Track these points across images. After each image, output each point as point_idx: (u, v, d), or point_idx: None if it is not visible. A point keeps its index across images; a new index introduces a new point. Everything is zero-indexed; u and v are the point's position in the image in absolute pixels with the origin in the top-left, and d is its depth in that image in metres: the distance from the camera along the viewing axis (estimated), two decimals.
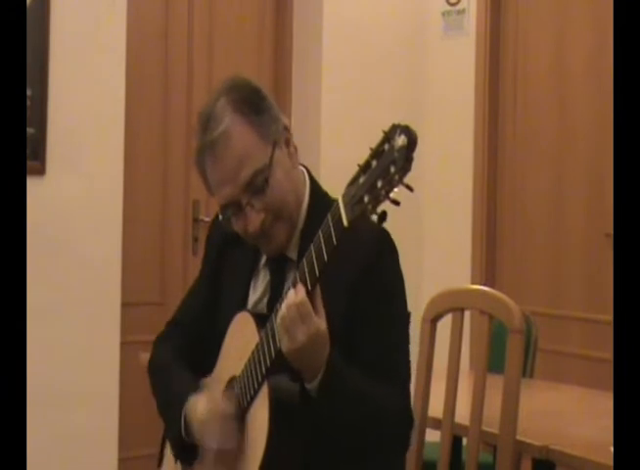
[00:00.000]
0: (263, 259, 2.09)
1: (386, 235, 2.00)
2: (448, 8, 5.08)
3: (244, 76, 2.07)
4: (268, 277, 2.08)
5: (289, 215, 2.00)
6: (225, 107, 1.97)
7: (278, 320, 1.82)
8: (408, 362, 2.03)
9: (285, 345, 1.81)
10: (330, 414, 1.88)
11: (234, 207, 1.98)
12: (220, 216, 2.03)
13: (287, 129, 2.04)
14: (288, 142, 2.03)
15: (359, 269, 1.94)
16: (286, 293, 1.83)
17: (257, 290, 2.09)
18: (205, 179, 2.02)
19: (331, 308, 1.85)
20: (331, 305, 1.85)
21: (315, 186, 2.08)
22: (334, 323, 1.85)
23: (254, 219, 1.96)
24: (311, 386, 1.85)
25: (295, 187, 2.03)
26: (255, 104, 1.99)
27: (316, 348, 1.82)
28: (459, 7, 5.04)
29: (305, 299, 1.78)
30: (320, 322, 1.81)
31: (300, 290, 1.79)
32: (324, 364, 1.84)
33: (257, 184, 1.95)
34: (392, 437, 1.99)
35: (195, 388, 2.06)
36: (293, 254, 2.02)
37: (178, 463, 2.10)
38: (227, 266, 2.16)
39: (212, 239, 2.24)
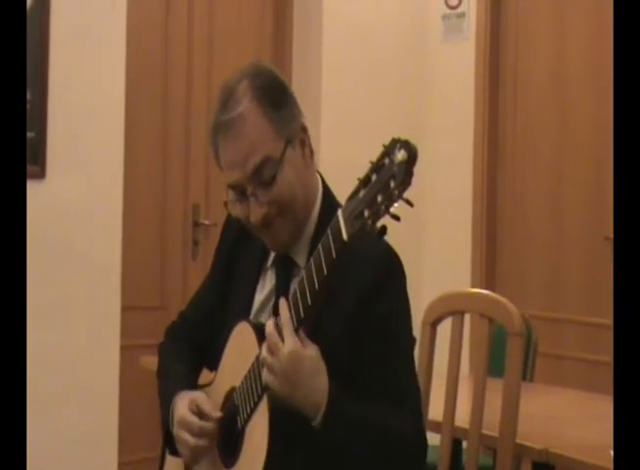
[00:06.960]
0: (271, 259, 2.05)
1: (392, 258, 1.95)
2: (448, 11, 5.09)
3: (271, 67, 2.03)
4: (274, 281, 2.03)
5: (293, 215, 1.95)
6: (246, 91, 1.93)
7: (262, 358, 1.81)
8: (416, 384, 1.96)
9: (275, 389, 1.80)
10: (338, 449, 1.83)
11: (239, 192, 1.94)
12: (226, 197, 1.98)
13: (304, 130, 1.99)
14: (303, 143, 1.99)
15: (362, 293, 1.88)
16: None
17: (264, 291, 2.06)
18: (218, 157, 1.99)
19: (328, 331, 1.84)
20: (328, 328, 1.84)
21: (328, 194, 2.04)
22: (332, 346, 1.83)
23: (257, 211, 1.92)
24: (315, 423, 1.80)
25: (305, 190, 1.98)
26: (276, 97, 1.95)
27: (309, 380, 1.79)
28: (459, 10, 5.04)
29: (297, 340, 1.78)
30: (308, 352, 1.79)
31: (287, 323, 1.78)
32: (326, 398, 1.79)
33: (264, 176, 1.90)
34: (405, 462, 1.92)
35: (191, 385, 2.08)
36: (301, 260, 1.97)
37: (181, 465, 2.10)
38: (239, 261, 2.13)
39: (228, 230, 2.19)
